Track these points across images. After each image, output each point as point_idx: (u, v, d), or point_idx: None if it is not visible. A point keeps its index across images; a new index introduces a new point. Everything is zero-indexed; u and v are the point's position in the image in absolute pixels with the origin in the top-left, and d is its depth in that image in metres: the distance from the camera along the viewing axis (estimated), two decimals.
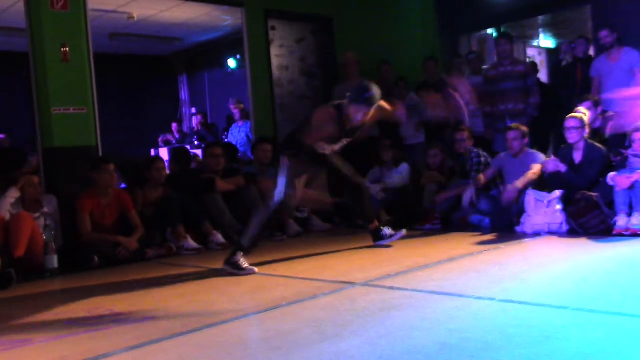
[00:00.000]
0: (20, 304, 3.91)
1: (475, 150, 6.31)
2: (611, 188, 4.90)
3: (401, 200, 6.58)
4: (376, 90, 4.50)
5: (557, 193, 5.20)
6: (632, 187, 4.77)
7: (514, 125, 6.03)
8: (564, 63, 8.06)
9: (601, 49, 6.69)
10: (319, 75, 8.55)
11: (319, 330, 2.71)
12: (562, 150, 5.57)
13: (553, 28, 11.39)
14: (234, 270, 4.27)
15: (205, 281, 4.16)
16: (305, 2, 8.26)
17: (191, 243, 5.61)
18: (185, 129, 11.76)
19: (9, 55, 8.84)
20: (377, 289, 3.49)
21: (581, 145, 5.38)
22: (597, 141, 5.53)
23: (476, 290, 3.27)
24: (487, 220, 5.88)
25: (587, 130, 5.46)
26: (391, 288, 3.48)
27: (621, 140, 5.43)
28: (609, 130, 5.96)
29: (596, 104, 6.06)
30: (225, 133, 9.48)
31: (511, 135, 5.88)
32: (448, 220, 6.19)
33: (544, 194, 5.28)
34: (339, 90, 7.89)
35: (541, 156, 5.80)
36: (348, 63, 7.81)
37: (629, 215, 4.76)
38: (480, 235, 5.35)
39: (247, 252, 4.41)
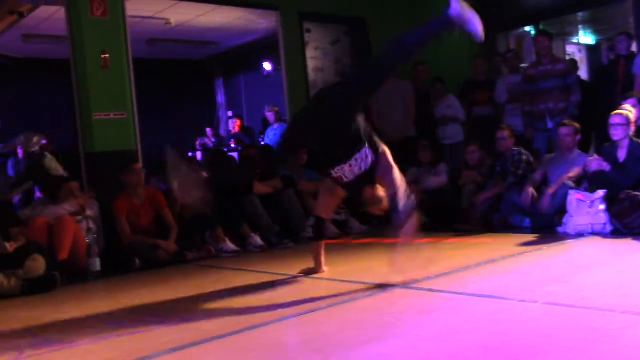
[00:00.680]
0: (64, 306, 3.98)
1: (516, 149, 6.21)
2: None
3: (439, 201, 6.52)
4: None
5: (601, 193, 5.08)
6: None
7: (566, 121, 5.94)
8: (606, 62, 7.89)
9: None
10: None
11: (359, 333, 2.70)
12: (606, 148, 5.44)
13: (593, 24, 11.15)
14: None
15: (244, 284, 4.17)
16: (339, 3, 8.25)
17: (230, 245, 5.66)
18: (222, 132, 11.87)
19: (50, 62, 9.04)
20: (417, 291, 3.46)
21: (626, 143, 5.25)
22: None
23: (518, 292, 3.20)
24: (527, 221, 5.78)
25: (633, 128, 5.33)
26: (431, 290, 3.44)
27: None
28: None
29: None
30: (262, 136, 9.54)
31: (564, 131, 5.80)
32: (488, 221, 6.11)
33: (587, 193, 5.17)
34: None
35: (586, 158, 5.68)
36: None
37: None
38: (522, 236, 5.26)
39: None
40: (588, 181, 5.36)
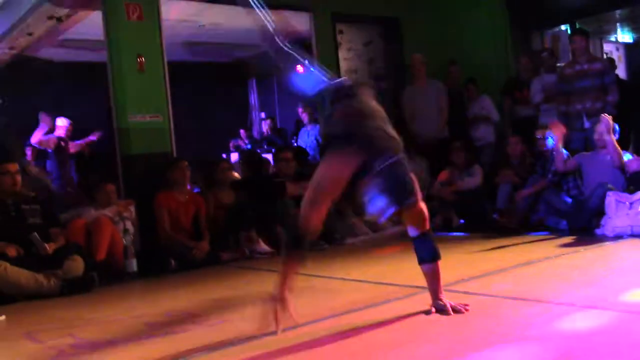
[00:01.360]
0: (101, 306, 4.05)
1: None
2: None
3: (474, 202, 6.46)
4: None
5: None
6: None
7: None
8: None
9: None
10: (387, 77, 8.50)
11: (393, 335, 2.69)
12: None
13: (631, 22, 10.92)
14: None
15: None
16: (372, 4, 8.22)
17: (263, 247, 5.70)
18: (255, 133, 11.93)
19: (87, 65, 9.20)
20: (451, 293, 3.42)
21: None
22: None
23: (555, 295, 3.16)
24: (564, 223, 5.69)
25: None
26: (466, 293, 3.41)
27: None
28: None
29: None
30: (295, 137, 9.56)
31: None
32: (524, 222, 6.02)
33: (626, 195, 5.07)
34: (408, 92, 7.84)
35: (624, 154, 5.56)
36: (414, 64, 7.74)
37: None
38: (558, 237, 5.18)
39: None
40: (627, 182, 5.26)
